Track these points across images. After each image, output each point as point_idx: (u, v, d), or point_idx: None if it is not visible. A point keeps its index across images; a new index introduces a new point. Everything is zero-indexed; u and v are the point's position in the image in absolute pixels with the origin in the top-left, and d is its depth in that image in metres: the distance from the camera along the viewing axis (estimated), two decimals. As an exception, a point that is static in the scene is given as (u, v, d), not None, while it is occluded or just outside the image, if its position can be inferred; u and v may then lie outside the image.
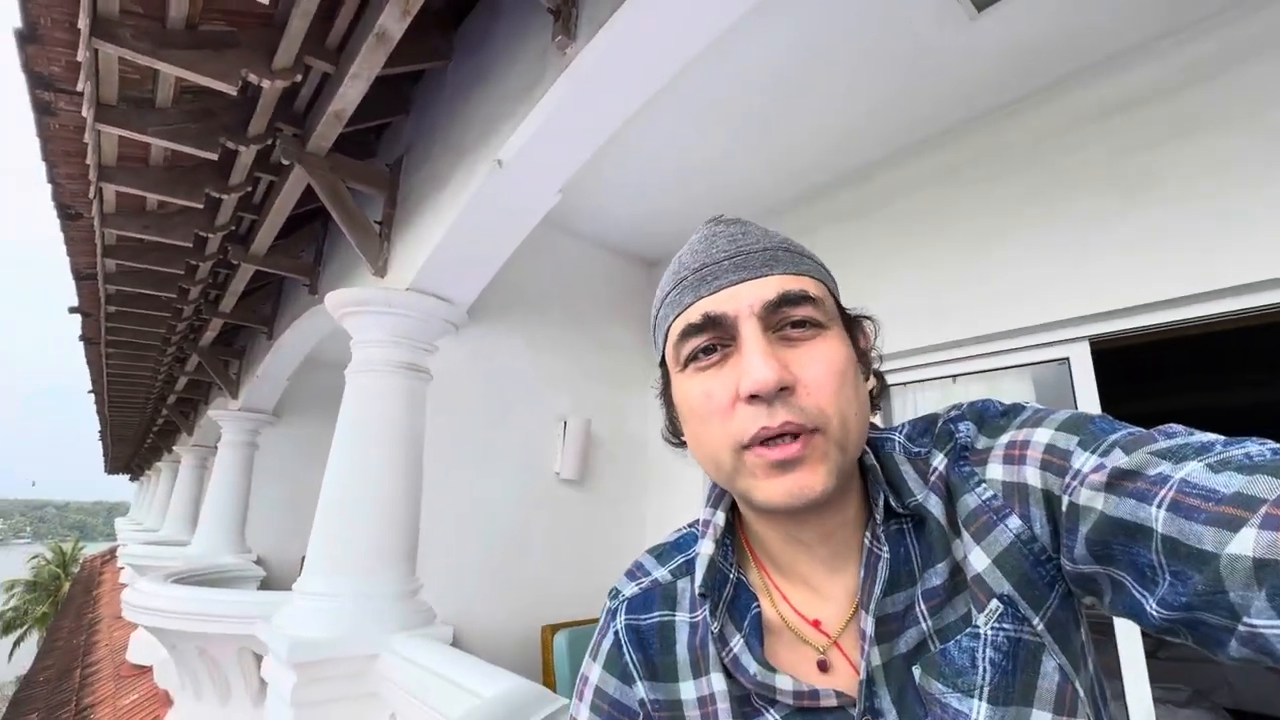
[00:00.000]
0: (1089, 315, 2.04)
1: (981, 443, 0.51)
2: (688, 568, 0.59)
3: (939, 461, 0.52)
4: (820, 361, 0.47)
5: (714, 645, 0.53)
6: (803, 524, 0.51)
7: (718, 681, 0.53)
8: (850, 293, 0.56)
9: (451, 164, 1.95)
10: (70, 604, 13.26)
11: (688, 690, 0.54)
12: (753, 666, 0.50)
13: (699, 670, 0.54)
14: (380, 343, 2.15)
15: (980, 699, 0.45)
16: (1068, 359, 2.14)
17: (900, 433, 0.56)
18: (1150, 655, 1.91)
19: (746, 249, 0.50)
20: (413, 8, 1.51)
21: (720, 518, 0.56)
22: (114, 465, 14.71)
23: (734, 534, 0.58)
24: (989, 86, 2.26)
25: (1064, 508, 0.43)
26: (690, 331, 0.49)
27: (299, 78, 1.81)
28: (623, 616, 0.59)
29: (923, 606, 0.49)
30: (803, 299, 0.48)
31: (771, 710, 0.51)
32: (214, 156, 2.12)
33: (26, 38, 1.69)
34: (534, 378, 3.13)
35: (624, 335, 3.55)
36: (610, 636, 0.59)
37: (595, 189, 2.97)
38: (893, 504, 0.52)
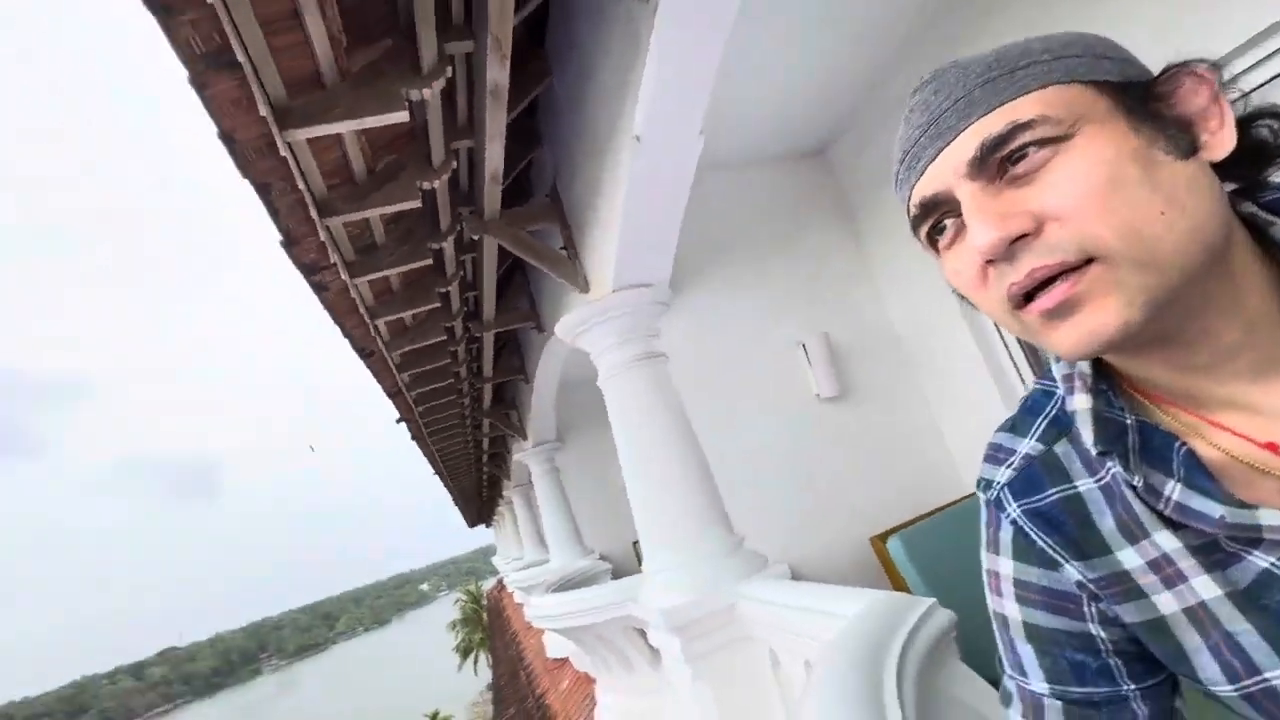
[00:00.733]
0: None
1: None
2: (1059, 430, 0.52)
3: None
4: (1063, 183, 0.39)
5: (1143, 501, 0.45)
6: (1184, 349, 0.42)
7: (1165, 540, 0.45)
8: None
9: (597, 166, 2.03)
10: (494, 626, 17.16)
11: (1129, 558, 0.47)
12: (1216, 509, 0.41)
13: (1134, 535, 0.47)
14: (612, 348, 2.35)
15: None
16: None
17: None
18: None
19: (938, 111, 0.44)
20: (507, 50, 1.60)
21: (1085, 365, 0.49)
22: (472, 520, 18.53)
23: (1107, 377, 0.49)
24: None
25: None
26: (917, 221, 0.48)
27: (454, 165, 2.05)
28: (1012, 505, 0.52)
29: None
30: (1013, 131, 0.40)
31: (1256, 550, 0.42)
32: (429, 262, 2.52)
33: (286, 243, 2.19)
34: (756, 315, 3.13)
35: (821, 235, 3.35)
36: (1008, 528, 0.53)
37: (729, 111, 2.84)
38: None
